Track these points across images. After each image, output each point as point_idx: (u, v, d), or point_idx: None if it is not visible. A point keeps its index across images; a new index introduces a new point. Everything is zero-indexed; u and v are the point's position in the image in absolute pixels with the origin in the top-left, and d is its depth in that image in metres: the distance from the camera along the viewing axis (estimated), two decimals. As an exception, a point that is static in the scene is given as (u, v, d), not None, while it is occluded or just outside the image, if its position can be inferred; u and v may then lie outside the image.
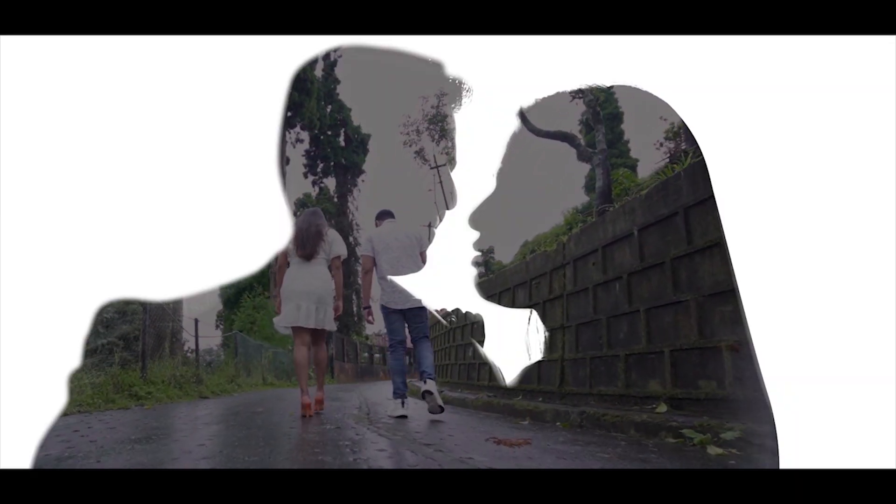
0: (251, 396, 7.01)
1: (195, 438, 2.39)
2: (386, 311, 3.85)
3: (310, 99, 22.67)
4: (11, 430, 0.97)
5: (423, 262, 3.89)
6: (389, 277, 3.75)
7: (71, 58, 1.03)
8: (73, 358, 1.02)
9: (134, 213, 1.07)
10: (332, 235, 3.73)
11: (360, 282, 5.69)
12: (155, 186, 1.08)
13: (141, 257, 1.07)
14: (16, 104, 1.01)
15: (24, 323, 0.99)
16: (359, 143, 25.85)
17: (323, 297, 3.61)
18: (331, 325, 3.68)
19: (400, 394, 3.72)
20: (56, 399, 1.00)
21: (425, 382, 3.60)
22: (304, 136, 24.82)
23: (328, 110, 25.03)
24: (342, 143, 25.67)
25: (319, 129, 24.30)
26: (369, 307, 4.13)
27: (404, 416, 3.59)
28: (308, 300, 3.54)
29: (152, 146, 1.08)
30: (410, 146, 15.93)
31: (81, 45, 1.03)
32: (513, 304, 5.56)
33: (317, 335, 3.72)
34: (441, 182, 19.16)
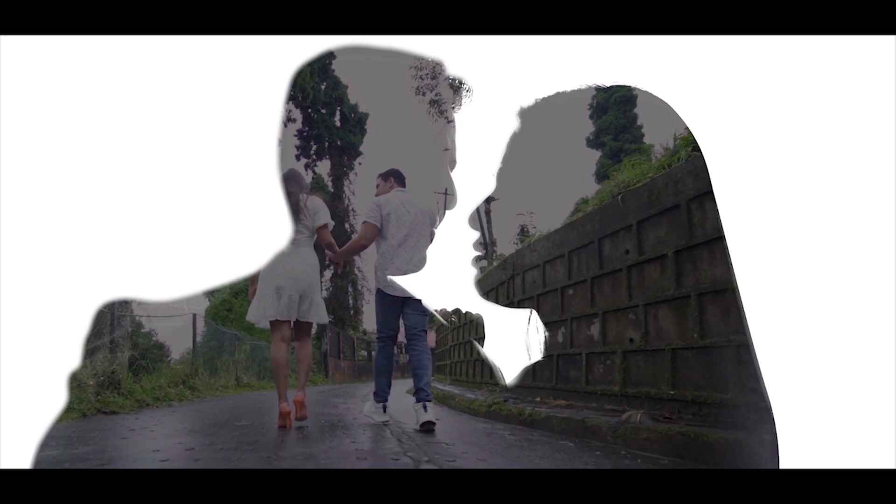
0: (195, 409, 4.73)
1: None
2: (382, 297, 3.21)
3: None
4: (11, 430, 0.97)
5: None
6: (395, 259, 3.12)
7: (71, 58, 1.03)
8: (73, 358, 1.02)
9: (133, 212, 1.07)
10: (313, 204, 3.12)
11: (348, 254, 3.37)
12: (154, 186, 1.08)
13: (141, 257, 1.07)
14: (16, 104, 1.01)
15: (24, 323, 0.99)
16: (356, 123, 23.93)
17: (309, 284, 3.06)
18: (320, 318, 3.15)
19: (382, 397, 3.23)
20: (56, 399, 1.00)
21: (425, 409, 2.89)
22: (297, 114, 22.92)
23: (323, 87, 23.09)
24: (337, 123, 23.68)
25: (312, 103, 22.45)
26: (340, 263, 3.50)
27: (386, 422, 3.14)
28: (291, 288, 2.98)
29: (151, 146, 1.08)
30: (423, 94, 13.02)
31: (81, 45, 1.03)
32: (600, 262, 3.69)
33: (301, 330, 3.18)
34: (461, 139, 17.18)
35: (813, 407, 0.98)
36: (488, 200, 16.56)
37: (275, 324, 3.01)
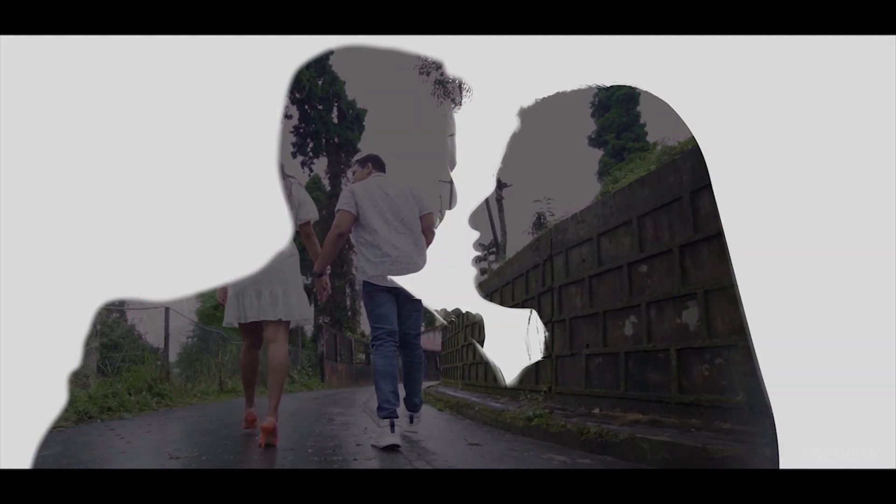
0: (140, 425, 3.49)
1: None
2: (370, 289, 2.71)
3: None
4: (11, 430, 0.97)
5: (429, 228, 2.88)
6: (380, 245, 2.72)
7: (71, 58, 1.03)
8: (73, 358, 1.02)
9: (134, 213, 1.07)
10: (298, 195, 2.74)
11: (324, 249, 2.81)
12: (154, 186, 1.08)
13: (141, 257, 1.07)
14: (16, 104, 1.01)
15: (24, 323, 0.99)
16: (354, 119, 23.22)
17: (290, 278, 2.66)
18: (298, 314, 2.67)
19: (389, 411, 2.45)
20: (56, 399, 1.00)
21: (410, 421, 2.67)
22: (294, 111, 22.08)
23: (320, 83, 22.40)
24: (335, 120, 22.94)
25: (309, 98, 21.82)
26: (323, 275, 2.92)
27: (396, 446, 2.36)
28: (272, 283, 2.58)
29: (151, 146, 1.08)
30: (427, 74, 12.27)
31: (81, 45, 1.03)
32: (694, 224, 2.60)
33: (275, 329, 2.61)
34: (469, 123, 16.22)
35: (813, 407, 0.98)
36: (500, 187, 15.05)
37: (243, 326, 2.64)
